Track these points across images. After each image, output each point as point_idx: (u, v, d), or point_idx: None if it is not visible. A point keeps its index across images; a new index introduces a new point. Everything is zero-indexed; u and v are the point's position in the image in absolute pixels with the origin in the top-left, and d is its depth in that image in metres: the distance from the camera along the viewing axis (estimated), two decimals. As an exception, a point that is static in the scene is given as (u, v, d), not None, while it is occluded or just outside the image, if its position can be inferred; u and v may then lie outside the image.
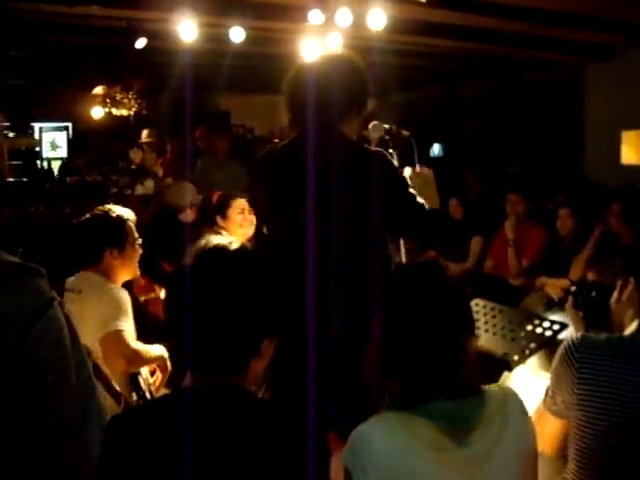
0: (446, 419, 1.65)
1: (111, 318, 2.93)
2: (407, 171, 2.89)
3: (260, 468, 1.43)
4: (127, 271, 3.17)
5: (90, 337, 2.72)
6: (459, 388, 1.70)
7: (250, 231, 4.46)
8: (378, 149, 2.71)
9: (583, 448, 2.00)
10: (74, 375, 1.47)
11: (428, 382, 1.68)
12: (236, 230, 4.43)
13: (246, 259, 1.57)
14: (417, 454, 1.60)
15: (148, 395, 3.04)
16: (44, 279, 1.47)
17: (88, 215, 3.19)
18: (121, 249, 3.10)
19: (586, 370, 1.98)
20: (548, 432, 2.14)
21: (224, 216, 4.49)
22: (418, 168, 2.95)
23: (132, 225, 3.19)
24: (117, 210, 3.17)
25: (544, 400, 2.15)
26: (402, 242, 3.12)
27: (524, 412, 1.79)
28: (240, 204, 4.49)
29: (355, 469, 1.60)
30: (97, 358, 2.76)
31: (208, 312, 1.47)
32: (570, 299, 2.58)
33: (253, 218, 4.49)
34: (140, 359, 3.03)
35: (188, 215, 5.28)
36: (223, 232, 4.40)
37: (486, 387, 1.78)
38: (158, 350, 3.15)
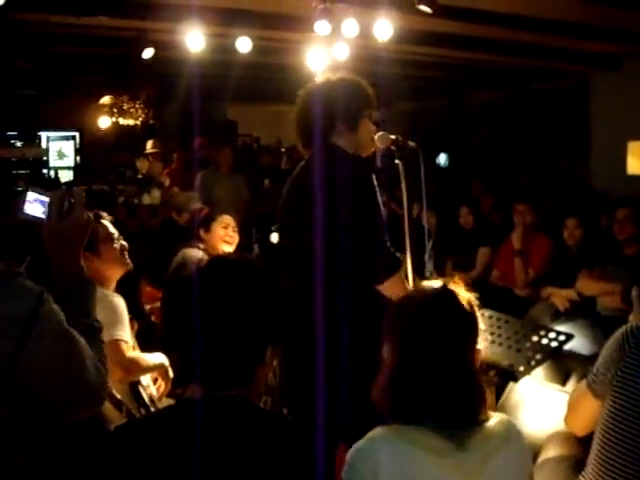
0: (444, 429, 1.66)
1: (106, 327, 2.89)
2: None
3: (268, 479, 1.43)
4: (113, 270, 3.05)
5: None
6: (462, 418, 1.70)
7: (232, 248, 4.50)
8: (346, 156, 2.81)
9: (607, 440, 2.04)
10: (85, 354, 1.52)
11: (437, 409, 1.68)
12: (218, 244, 4.47)
13: (247, 267, 1.58)
14: (417, 459, 1.60)
15: (149, 403, 3.02)
16: (24, 277, 1.50)
17: None
18: (94, 251, 2.93)
19: (633, 357, 2.04)
20: (582, 412, 2.23)
21: (207, 229, 4.54)
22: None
23: (105, 222, 3.06)
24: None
25: (587, 377, 2.21)
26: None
27: (524, 441, 1.80)
28: (225, 220, 4.56)
29: None
30: None
31: (214, 322, 1.47)
32: (635, 290, 2.59)
33: (236, 236, 4.54)
34: (137, 368, 3.00)
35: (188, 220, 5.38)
36: (201, 246, 4.44)
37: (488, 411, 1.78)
38: (158, 358, 3.11)
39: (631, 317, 2.57)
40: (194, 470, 1.38)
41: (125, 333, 2.94)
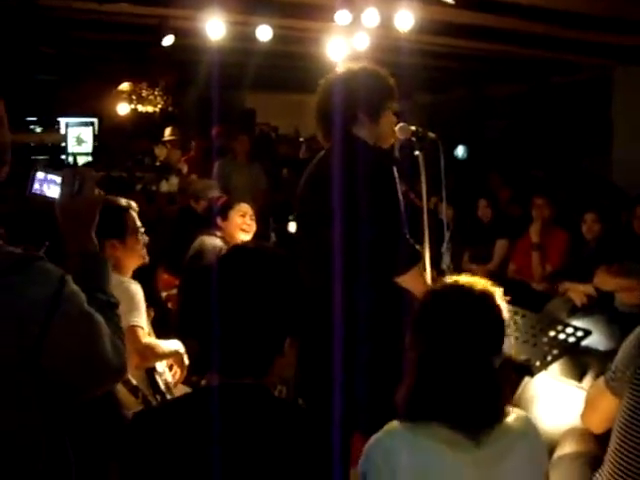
0: (462, 424, 1.66)
1: (123, 314, 2.90)
2: None
3: (285, 468, 1.43)
4: (132, 260, 3.08)
5: None
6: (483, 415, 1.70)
7: (249, 236, 4.51)
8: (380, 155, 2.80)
9: (625, 438, 2.01)
10: (104, 332, 1.56)
11: (458, 409, 1.68)
12: (236, 233, 4.47)
13: (267, 257, 1.58)
14: (435, 453, 1.61)
15: (165, 390, 3.04)
16: (45, 261, 1.52)
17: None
18: (122, 240, 2.99)
19: None
20: (600, 409, 2.20)
21: (225, 217, 4.55)
22: None
23: (134, 214, 3.10)
24: (116, 200, 3.07)
25: (605, 374, 2.18)
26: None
27: (541, 439, 1.80)
28: (243, 208, 4.57)
29: (372, 474, 1.61)
30: None
31: (234, 311, 1.48)
32: None
33: (254, 224, 4.55)
34: (153, 354, 3.01)
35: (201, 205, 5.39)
36: (219, 234, 4.45)
37: (507, 407, 1.78)
38: (174, 345, 3.13)
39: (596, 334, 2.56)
40: (212, 458, 1.39)
41: (142, 319, 2.96)
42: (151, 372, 3.04)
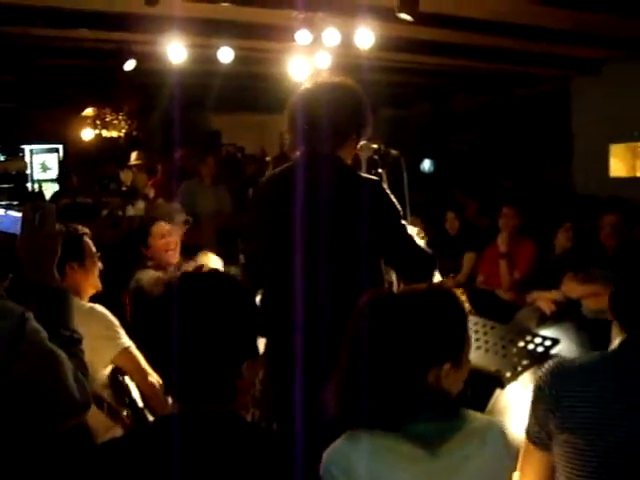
0: (420, 436, 1.66)
1: (108, 339, 2.91)
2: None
3: None
4: (90, 284, 3.10)
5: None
6: (439, 411, 1.71)
7: (176, 254, 4.33)
8: (374, 178, 2.69)
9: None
10: (67, 368, 1.55)
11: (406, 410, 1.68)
12: (162, 256, 4.27)
13: (220, 282, 1.58)
14: (389, 464, 1.62)
15: (134, 398, 2.99)
16: (4, 298, 1.51)
17: None
18: (81, 263, 3.01)
19: (562, 400, 1.88)
20: (535, 470, 2.00)
21: (146, 245, 4.32)
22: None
23: (88, 240, 3.12)
24: (72, 226, 3.08)
25: (527, 432, 2.01)
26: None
27: (505, 445, 1.78)
28: (160, 230, 4.33)
29: None
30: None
31: (190, 339, 1.47)
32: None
33: (175, 241, 4.36)
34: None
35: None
36: (149, 264, 4.29)
37: (471, 412, 1.78)
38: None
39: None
40: None
41: (127, 339, 2.97)
42: (115, 374, 3.00)
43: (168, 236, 4.33)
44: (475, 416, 1.77)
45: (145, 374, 2.94)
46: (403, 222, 2.66)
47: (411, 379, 1.71)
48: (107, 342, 2.90)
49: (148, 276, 4.11)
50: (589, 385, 1.88)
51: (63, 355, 1.56)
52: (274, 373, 2.70)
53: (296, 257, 2.50)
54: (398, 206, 2.65)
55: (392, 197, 2.64)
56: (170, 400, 1.58)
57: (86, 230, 3.16)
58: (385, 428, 1.66)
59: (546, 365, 1.97)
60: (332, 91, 2.69)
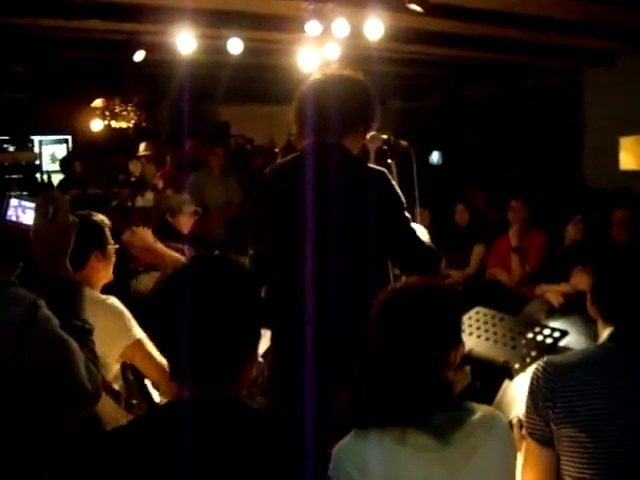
0: (431, 427, 1.67)
1: (121, 332, 2.91)
2: None
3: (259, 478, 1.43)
4: (106, 275, 3.12)
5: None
6: (447, 403, 1.72)
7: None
8: (380, 168, 2.67)
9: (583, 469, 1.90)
10: (79, 357, 1.55)
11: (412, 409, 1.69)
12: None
13: (230, 266, 1.58)
14: (402, 455, 1.62)
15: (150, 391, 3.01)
16: (17, 286, 1.51)
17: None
18: (104, 252, 3.04)
19: (559, 395, 1.90)
20: (538, 468, 2.00)
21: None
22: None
23: (108, 230, 3.14)
24: (94, 215, 3.13)
25: (527, 431, 2.01)
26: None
27: (508, 436, 1.81)
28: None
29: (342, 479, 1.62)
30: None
31: (201, 324, 1.47)
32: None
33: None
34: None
35: (182, 223, 5.23)
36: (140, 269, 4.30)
37: (474, 404, 1.79)
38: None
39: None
40: (185, 471, 1.38)
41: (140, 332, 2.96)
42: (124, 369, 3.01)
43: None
44: (478, 408, 1.78)
45: (159, 367, 2.92)
46: (406, 214, 2.64)
47: (432, 371, 1.72)
48: (120, 333, 2.90)
49: (147, 281, 4.13)
50: (583, 379, 1.91)
51: (74, 344, 1.56)
52: (282, 364, 2.70)
53: (306, 246, 2.50)
54: (402, 198, 2.64)
55: (397, 188, 2.63)
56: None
57: (105, 220, 3.17)
58: (405, 423, 1.66)
59: (540, 362, 1.99)
60: (340, 83, 2.69)
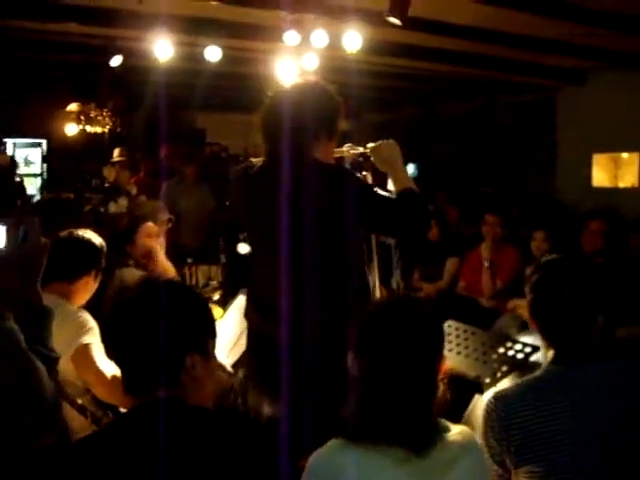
0: (407, 441, 1.66)
1: (74, 336, 2.85)
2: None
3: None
4: (89, 294, 3.15)
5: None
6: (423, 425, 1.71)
7: (160, 255, 4.34)
8: (338, 166, 2.73)
9: None
10: (43, 374, 1.54)
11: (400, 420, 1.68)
12: (145, 255, 4.28)
13: (170, 286, 1.71)
14: (378, 467, 1.61)
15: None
16: None
17: (85, 233, 3.18)
18: (96, 275, 3.13)
19: (511, 432, 1.91)
20: None
21: (131, 243, 4.30)
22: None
23: (104, 252, 3.21)
24: (95, 236, 3.20)
25: (491, 457, 2.00)
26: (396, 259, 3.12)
27: (482, 456, 1.81)
28: (147, 229, 4.34)
29: None
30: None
31: (131, 336, 1.61)
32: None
33: (160, 241, 4.39)
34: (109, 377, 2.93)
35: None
36: (131, 262, 4.25)
37: (446, 421, 1.79)
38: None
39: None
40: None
41: (97, 340, 2.90)
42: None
43: (154, 236, 4.34)
44: (451, 425, 1.77)
45: (99, 374, 2.82)
46: (375, 189, 2.63)
47: (428, 385, 1.73)
48: (74, 338, 2.82)
49: (132, 275, 4.07)
50: (532, 412, 1.91)
51: (40, 364, 1.52)
52: (257, 367, 2.71)
53: (280, 248, 2.51)
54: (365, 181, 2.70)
55: (357, 176, 2.69)
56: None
57: (104, 243, 3.23)
58: (407, 444, 1.65)
59: (490, 399, 2.00)
60: (300, 91, 2.71)
